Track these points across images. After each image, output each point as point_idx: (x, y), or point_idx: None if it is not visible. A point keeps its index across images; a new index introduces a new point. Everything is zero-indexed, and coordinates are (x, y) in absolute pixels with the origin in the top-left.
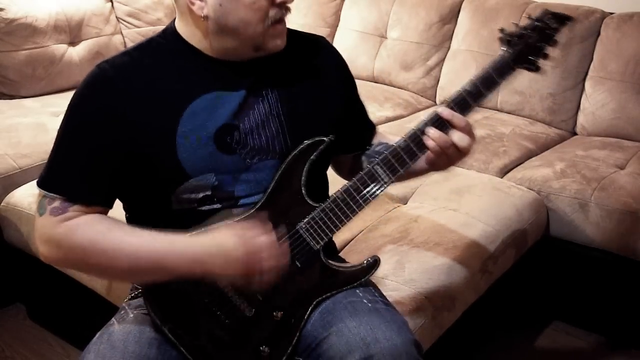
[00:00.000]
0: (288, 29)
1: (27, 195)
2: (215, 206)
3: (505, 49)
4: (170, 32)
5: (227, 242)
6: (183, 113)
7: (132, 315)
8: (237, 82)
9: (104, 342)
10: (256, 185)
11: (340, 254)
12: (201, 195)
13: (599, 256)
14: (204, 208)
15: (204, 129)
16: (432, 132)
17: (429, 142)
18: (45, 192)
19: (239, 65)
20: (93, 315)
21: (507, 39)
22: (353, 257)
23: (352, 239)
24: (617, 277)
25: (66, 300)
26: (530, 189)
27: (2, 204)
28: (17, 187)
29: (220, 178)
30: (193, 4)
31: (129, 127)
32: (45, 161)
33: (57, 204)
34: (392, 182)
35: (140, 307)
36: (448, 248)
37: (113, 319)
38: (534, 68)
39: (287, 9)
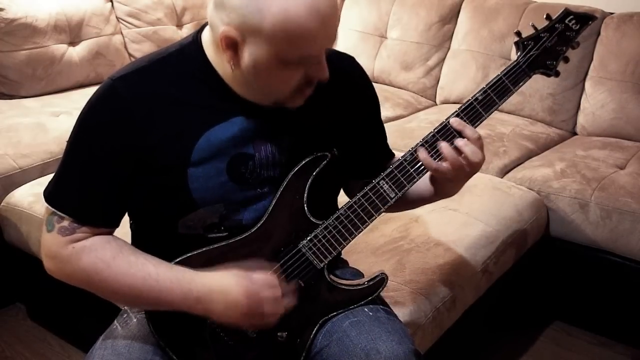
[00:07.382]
0: None
1: (27, 195)
2: (221, 234)
3: (519, 54)
4: (195, 48)
5: (231, 291)
6: (197, 142)
7: (135, 320)
8: (256, 109)
9: (108, 348)
10: (264, 213)
11: (342, 255)
12: (208, 222)
13: (599, 256)
14: (210, 235)
15: (217, 158)
16: (443, 145)
17: (445, 151)
18: (54, 209)
19: None
20: (93, 315)
21: (523, 43)
22: (353, 257)
23: None
24: (617, 278)
25: (66, 300)
26: (530, 189)
27: (2, 204)
28: (17, 187)
29: (230, 208)
30: (226, 51)
31: (141, 152)
32: (45, 161)
33: (65, 223)
34: (399, 197)
35: (142, 312)
36: (448, 248)
37: (116, 322)
38: (552, 73)
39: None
